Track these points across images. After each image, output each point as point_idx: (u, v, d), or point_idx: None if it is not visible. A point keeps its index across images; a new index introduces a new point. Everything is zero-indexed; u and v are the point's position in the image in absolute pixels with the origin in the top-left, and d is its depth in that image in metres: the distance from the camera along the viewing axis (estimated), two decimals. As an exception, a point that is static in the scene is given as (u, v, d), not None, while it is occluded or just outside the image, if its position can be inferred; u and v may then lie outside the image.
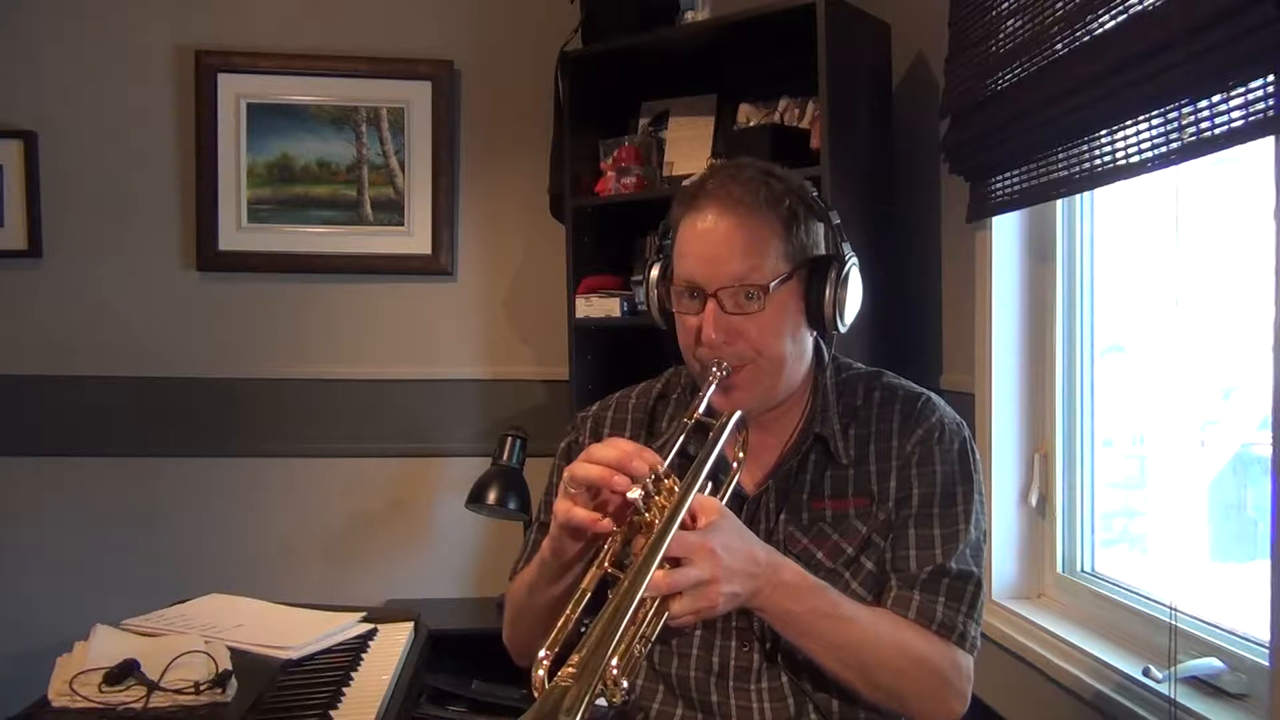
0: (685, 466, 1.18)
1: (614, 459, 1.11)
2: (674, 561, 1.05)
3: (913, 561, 1.29)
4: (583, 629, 1.04)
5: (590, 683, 0.89)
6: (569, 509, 1.13)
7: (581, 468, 1.12)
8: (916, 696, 1.26)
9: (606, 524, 1.11)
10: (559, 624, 1.02)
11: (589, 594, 1.06)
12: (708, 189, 1.28)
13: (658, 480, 1.11)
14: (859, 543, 1.30)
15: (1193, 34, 1.25)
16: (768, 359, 1.27)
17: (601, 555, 1.10)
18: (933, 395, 1.38)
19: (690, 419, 1.24)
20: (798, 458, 1.33)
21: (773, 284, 1.24)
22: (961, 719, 1.34)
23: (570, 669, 0.90)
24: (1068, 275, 1.99)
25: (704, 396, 1.25)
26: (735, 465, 1.27)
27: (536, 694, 0.91)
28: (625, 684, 0.94)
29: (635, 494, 1.08)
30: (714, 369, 1.25)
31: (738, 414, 1.25)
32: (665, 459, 1.16)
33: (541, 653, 0.96)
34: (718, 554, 1.08)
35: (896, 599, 1.27)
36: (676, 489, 1.11)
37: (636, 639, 1.01)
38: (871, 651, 1.22)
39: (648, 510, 1.09)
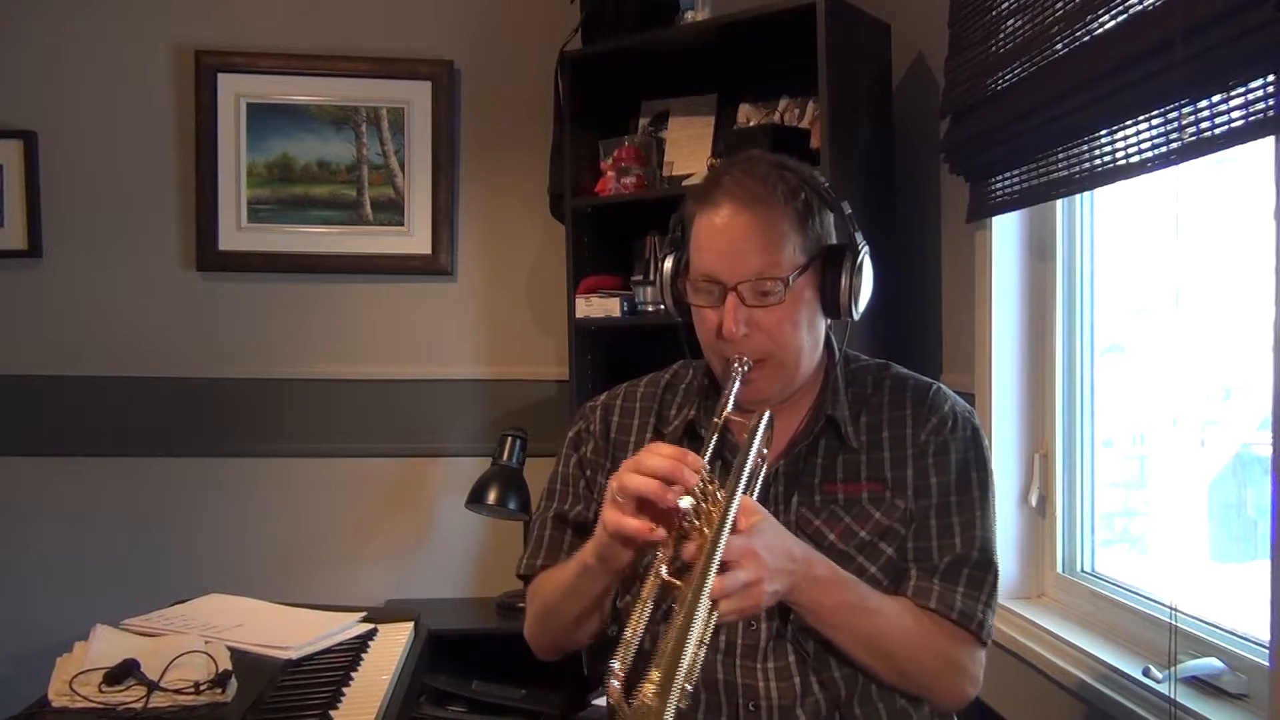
0: (695, 449, 1.20)
1: (664, 469, 1.13)
2: (721, 565, 1.08)
3: (934, 552, 1.31)
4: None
5: (670, 696, 0.94)
6: (619, 519, 1.14)
7: (634, 480, 1.13)
8: (934, 680, 1.30)
9: (660, 533, 1.13)
10: (626, 638, 1.06)
11: (649, 603, 1.10)
12: (723, 184, 1.30)
13: (704, 485, 1.14)
14: (874, 528, 1.32)
15: (1193, 34, 1.25)
16: (786, 351, 1.30)
17: (656, 563, 1.13)
18: (942, 385, 1.41)
19: (720, 418, 1.26)
20: (809, 440, 1.35)
21: (792, 276, 1.27)
22: (962, 717, 1.37)
23: (651, 685, 0.95)
24: (1068, 275, 1.99)
25: (729, 395, 1.26)
26: (761, 461, 1.29)
27: (614, 703, 0.97)
28: (689, 687, 0.98)
29: (687, 503, 1.11)
30: (735, 364, 1.27)
31: (767, 414, 1.27)
32: (704, 459, 1.18)
33: (615, 665, 1.01)
34: (761, 556, 1.11)
35: (917, 588, 1.30)
36: (718, 493, 1.14)
37: (698, 644, 1.04)
38: (895, 641, 1.26)
39: (697, 517, 1.12)
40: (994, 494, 1.37)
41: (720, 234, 1.28)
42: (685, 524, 1.12)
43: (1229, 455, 1.67)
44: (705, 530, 1.11)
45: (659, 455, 1.15)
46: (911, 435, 1.35)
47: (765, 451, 1.29)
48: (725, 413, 1.26)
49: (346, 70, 2.96)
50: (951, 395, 1.40)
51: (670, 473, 1.12)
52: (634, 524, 1.13)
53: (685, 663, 0.98)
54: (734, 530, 1.12)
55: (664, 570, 1.11)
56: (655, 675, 0.94)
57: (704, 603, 1.03)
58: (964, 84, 1.96)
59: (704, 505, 1.13)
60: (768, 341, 1.28)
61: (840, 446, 1.35)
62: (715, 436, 1.24)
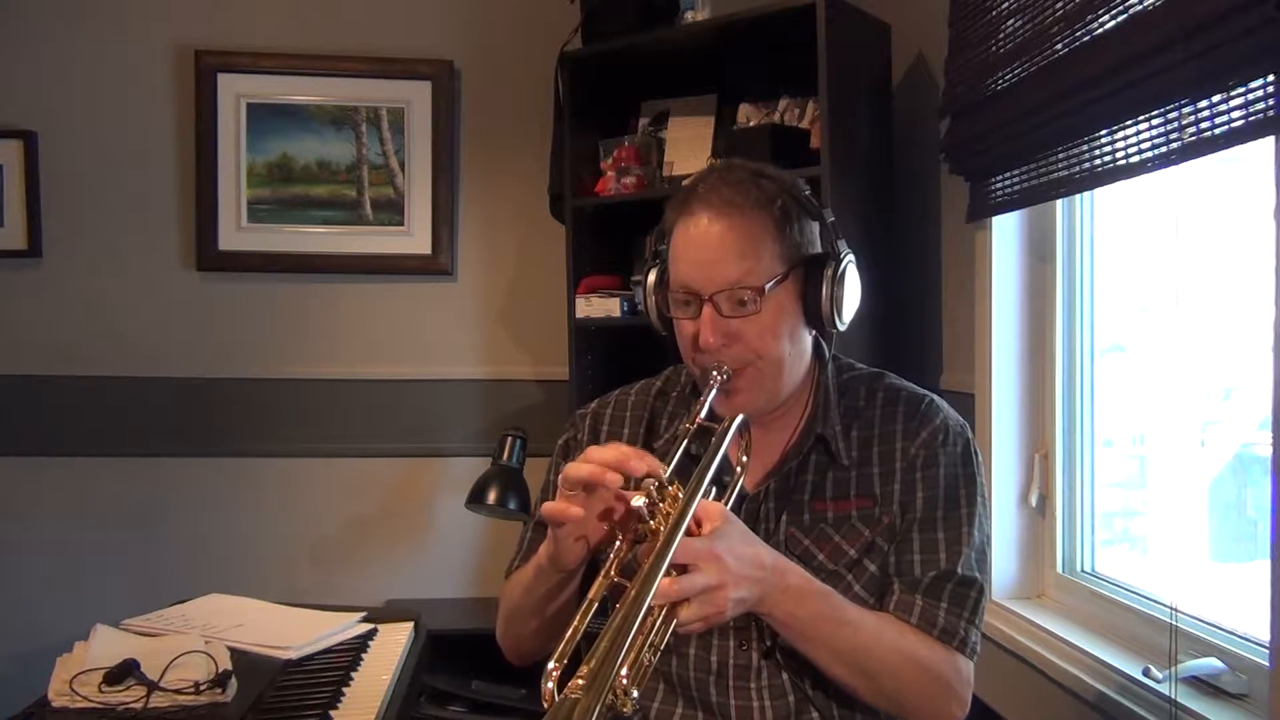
0: (691, 469, 1.17)
1: (611, 459, 1.11)
2: (680, 569, 1.05)
3: (917, 566, 1.28)
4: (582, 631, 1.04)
5: (600, 693, 0.89)
6: (550, 504, 1.13)
7: (574, 466, 1.12)
8: (918, 700, 1.26)
9: (575, 512, 1.12)
10: (567, 635, 1.02)
11: (595, 604, 1.06)
12: (699, 192, 1.27)
13: (662, 487, 1.11)
14: (861, 545, 1.30)
15: (1193, 34, 1.25)
16: (767, 361, 1.27)
17: (608, 564, 1.10)
18: (936, 397, 1.37)
19: (693, 424, 1.23)
20: (799, 458, 1.33)
21: (768, 285, 1.24)
22: (962, 718, 1.35)
23: (580, 680, 0.90)
24: (1068, 275, 1.99)
25: (705, 401, 1.24)
26: (739, 469, 1.27)
27: (546, 705, 0.91)
28: (635, 693, 0.94)
29: (639, 501, 1.08)
30: (714, 373, 1.25)
31: (740, 418, 1.25)
32: (669, 465, 1.15)
33: (550, 664, 0.96)
34: (724, 560, 1.07)
35: (899, 603, 1.27)
36: (681, 495, 1.11)
37: (645, 647, 1.00)
38: (874, 657, 1.22)
39: (653, 518, 1.08)
40: (985, 511, 1.33)
41: (695, 243, 1.25)
42: (641, 526, 1.09)
43: (1229, 455, 1.67)
44: (662, 531, 1.07)
45: (611, 449, 1.13)
46: (901, 449, 1.32)
47: (745, 459, 1.28)
48: (699, 418, 1.23)
49: (346, 70, 2.96)
50: (945, 408, 1.36)
51: (618, 463, 1.10)
52: (557, 505, 1.11)
53: (622, 660, 0.92)
54: (697, 533, 1.09)
55: (614, 571, 1.08)
56: (584, 670, 0.91)
57: (648, 600, 0.98)
58: (964, 84, 1.96)
59: (662, 507, 1.09)
60: (747, 351, 1.25)
61: (830, 463, 1.33)
62: (686, 441, 1.22)
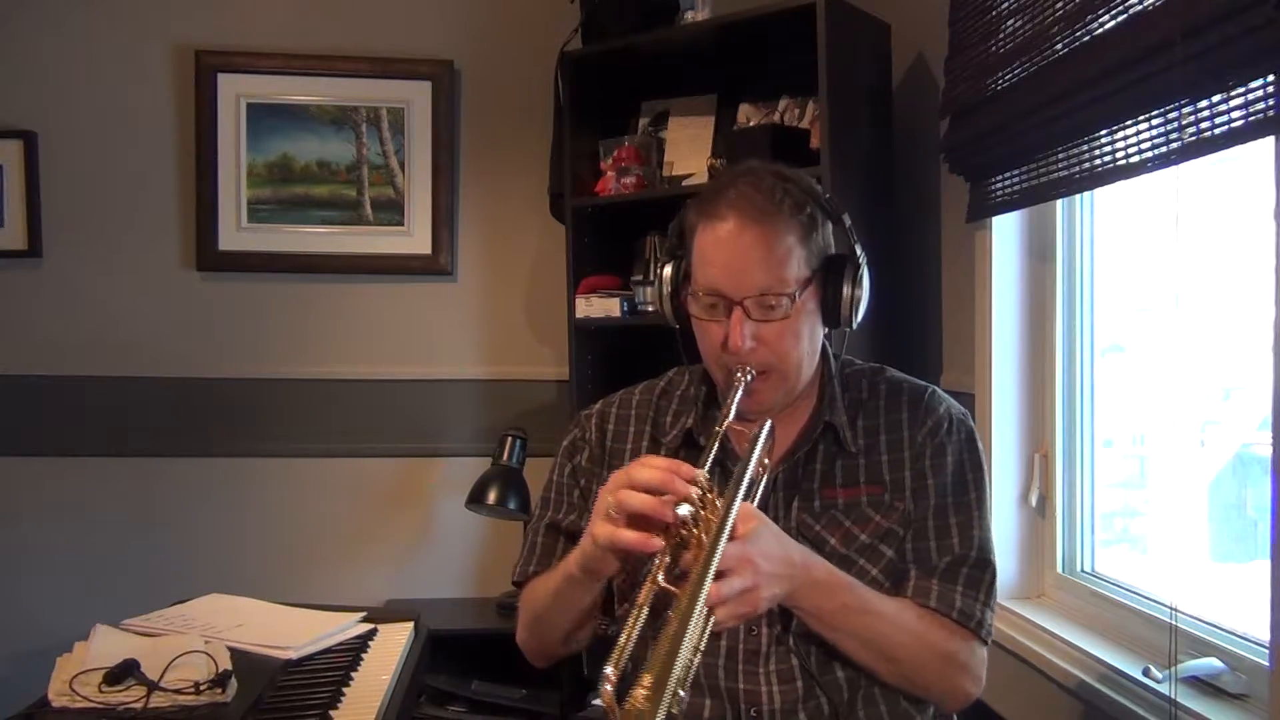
0: (693, 458, 1.20)
1: (656, 481, 1.13)
2: (718, 573, 1.08)
3: (933, 552, 1.32)
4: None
5: (662, 700, 0.93)
6: (613, 533, 1.14)
7: (631, 497, 1.13)
8: (937, 679, 1.31)
9: (658, 543, 1.13)
10: (620, 644, 1.04)
11: (645, 609, 1.08)
12: (728, 196, 1.29)
13: (703, 494, 1.14)
14: (872, 530, 1.33)
15: (1193, 34, 1.25)
16: (789, 362, 1.31)
17: (655, 569, 1.12)
18: (936, 388, 1.42)
19: (721, 427, 1.26)
20: (808, 446, 1.36)
21: (797, 292, 1.27)
22: (962, 717, 1.37)
23: (643, 690, 0.94)
24: (1068, 275, 1.99)
25: (732, 403, 1.27)
26: (762, 470, 1.29)
27: (611, 714, 0.95)
28: (683, 694, 0.98)
29: (685, 511, 1.11)
30: (739, 374, 1.28)
31: (768, 424, 1.27)
32: (704, 467, 1.18)
33: (609, 669, 0.99)
34: (758, 563, 1.12)
35: (916, 588, 1.31)
36: (716, 500, 1.14)
37: (693, 651, 1.04)
38: (896, 642, 1.27)
39: (696, 525, 1.12)
40: (989, 495, 1.38)
41: (725, 248, 1.28)
42: (684, 532, 1.12)
43: (1229, 455, 1.68)
44: (703, 537, 1.11)
45: (650, 468, 1.15)
46: (908, 438, 1.36)
47: (766, 461, 1.30)
48: (728, 422, 1.26)
49: (346, 70, 2.96)
50: (946, 398, 1.41)
51: (663, 484, 1.13)
52: (630, 536, 1.13)
53: (679, 668, 0.97)
54: (731, 537, 1.11)
55: (661, 577, 1.10)
56: (647, 680, 0.95)
57: (699, 610, 1.03)
58: (964, 84, 1.96)
59: (703, 513, 1.13)
60: (770, 354, 1.29)
61: (839, 451, 1.36)
62: (716, 445, 1.24)
